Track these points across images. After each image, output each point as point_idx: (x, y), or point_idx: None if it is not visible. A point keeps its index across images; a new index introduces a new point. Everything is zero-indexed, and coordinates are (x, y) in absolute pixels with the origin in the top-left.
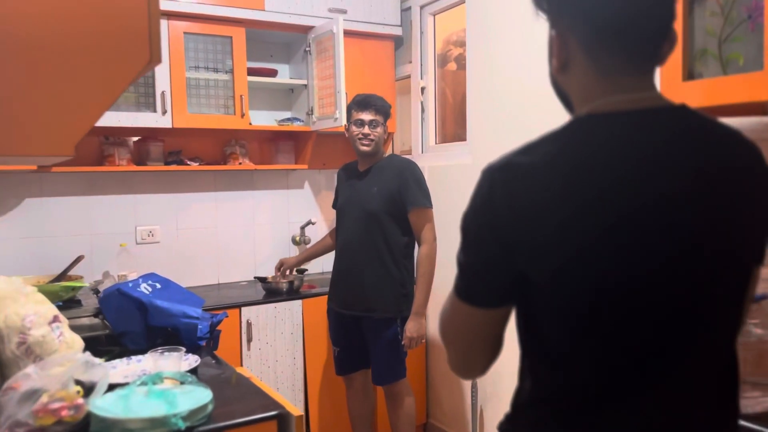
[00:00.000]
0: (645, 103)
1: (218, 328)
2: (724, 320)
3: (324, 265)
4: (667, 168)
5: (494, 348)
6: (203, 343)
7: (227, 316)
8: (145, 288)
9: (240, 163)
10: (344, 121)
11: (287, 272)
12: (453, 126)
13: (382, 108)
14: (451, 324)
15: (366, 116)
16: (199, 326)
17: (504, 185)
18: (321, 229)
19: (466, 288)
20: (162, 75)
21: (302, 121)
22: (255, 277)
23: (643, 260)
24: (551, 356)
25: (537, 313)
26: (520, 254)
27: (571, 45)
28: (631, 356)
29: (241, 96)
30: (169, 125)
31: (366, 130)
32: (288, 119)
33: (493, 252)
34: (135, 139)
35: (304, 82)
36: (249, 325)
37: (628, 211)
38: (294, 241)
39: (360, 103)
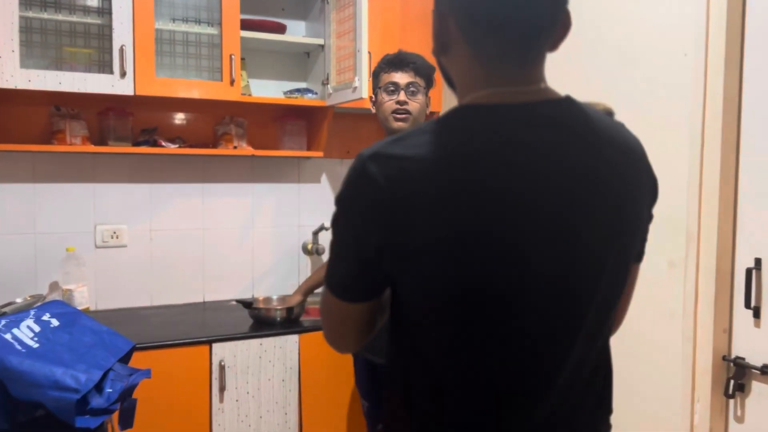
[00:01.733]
0: (528, 96)
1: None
2: (604, 318)
3: None
4: (548, 165)
5: (369, 330)
6: (95, 423)
7: (149, 377)
8: (23, 331)
9: (235, 147)
10: (366, 92)
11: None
12: None
13: (423, 68)
14: (327, 312)
15: (401, 78)
16: (88, 398)
17: (378, 175)
18: None
19: (337, 283)
20: (122, 25)
21: (316, 93)
22: (237, 301)
23: (523, 259)
24: (426, 358)
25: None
26: (396, 249)
27: (451, 27)
28: (510, 356)
29: (231, 56)
30: (129, 91)
31: (401, 96)
32: (297, 90)
33: (366, 245)
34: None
35: (321, 41)
36: (222, 368)
37: (509, 209)
38: (305, 250)
39: (392, 61)
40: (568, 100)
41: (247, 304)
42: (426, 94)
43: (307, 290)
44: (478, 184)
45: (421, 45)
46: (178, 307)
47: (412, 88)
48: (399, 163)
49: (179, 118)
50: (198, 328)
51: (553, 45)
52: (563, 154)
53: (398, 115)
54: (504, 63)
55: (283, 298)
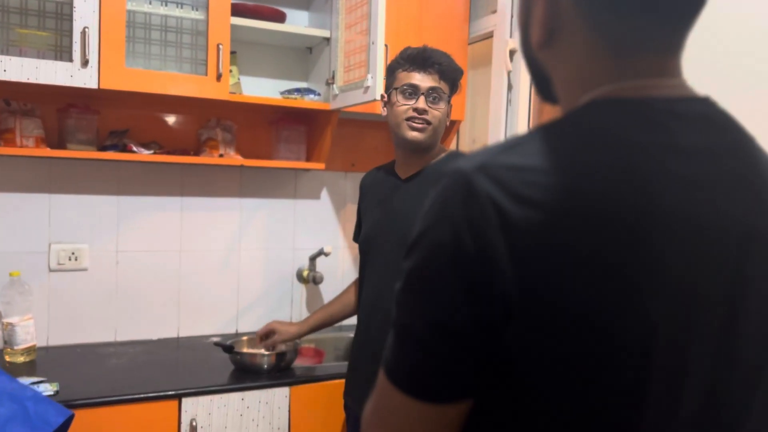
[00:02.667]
0: (673, 91)
1: None
2: None
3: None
4: (722, 182)
5: None
6: None
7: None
8: None
9: (221, 155)
10: (378, 93)
11: (278, 346)
12: (550, 115)
13: (449, 70)
14: (388, 425)
15: (422, 80)
16: None
17: (498, 195)
18: (341, 263)
19: (416, 375)
20: (85, 3)
21: (319, 95)
22: (215, 343)
23: (718, 319)
24: None
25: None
26: (531, 309)
27: (565, 9)
28: None
29: (219, 46)
30: (92, 84)
31: (421, 103)
32: (297, 90)
33: (482, 307)
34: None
35: (327, 33)
36: (194, 428)
37: (692, 242)
38: (300, 278)
39: (414, 58)
40: (710, 101)
41: (228, 348)
42: (449, 102)
43: (314, 326)
44: (649, 207)
45: (440, 42)
46: (147, 344)
47: (434, 94)
48: (527, 178)
49: (155, 118)
50: (167, 373)
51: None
52: (731, 168)
53: (414, 124)
54: (642, 50)
55: (272, 331)
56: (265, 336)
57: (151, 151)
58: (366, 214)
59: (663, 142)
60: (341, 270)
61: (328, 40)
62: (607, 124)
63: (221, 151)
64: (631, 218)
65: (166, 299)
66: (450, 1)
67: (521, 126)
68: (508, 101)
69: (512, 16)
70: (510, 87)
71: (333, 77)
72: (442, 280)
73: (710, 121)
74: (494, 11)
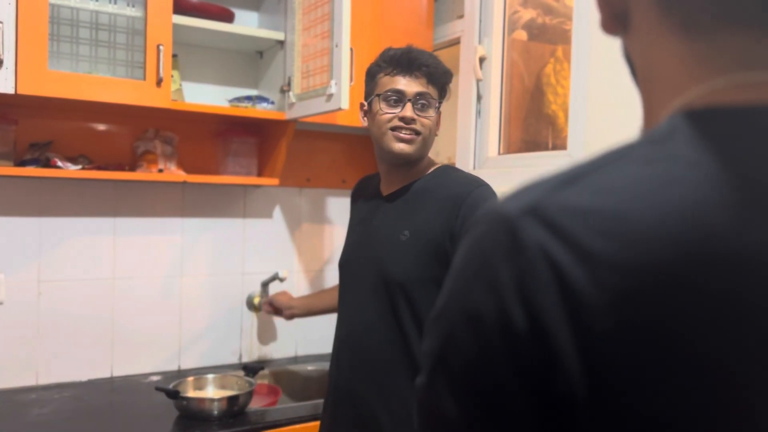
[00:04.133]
0: None
1: None
2: None
3: (308, 346)
4: None
5: None
6: None
7: None
8: None
9: (161, 170)
10: (346, 100)
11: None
12: (521, 128)
13: (438, 74)
14: None
15: (408, 85)
16: None
17: (559, 253)
18: (298, 288)
19: None
20: None
21: (273, 103)
22: (157, 388)
23: None
24: None
25: None
26: (608, 406)
27: None
28: None
29: (159, 47)
30: (8, 89)
31: (408, 111)
32: (248, 98)
33: (529, 406)
34: None
35: (281, 36)
36: None
37: None
38: (250, 306)
39: (398, 60)
40: None
41: (172, 393)
42: (438, 109)
43: (309, 308)
44: None
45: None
46: (75, 386)
47: (422, 101)
48: (600, 225)
49: (83, 129)
50: (100, 423)
51: None
52: None
53: (401, 134)
54: (752, 27)
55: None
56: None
57: (79, 167)
58: (348, 234)
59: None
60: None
61: (281, 43)
62: (709, 149)
63: (160, 166)
64: (759, 289)
65: (98, 334)
66: (412, 3)
67: (492, 139)
68: (478, 112)
69: (481, 21)
70: (479, 97)
71: (289, 84)
72: (485, 368)
73: None
74: (461, 16)
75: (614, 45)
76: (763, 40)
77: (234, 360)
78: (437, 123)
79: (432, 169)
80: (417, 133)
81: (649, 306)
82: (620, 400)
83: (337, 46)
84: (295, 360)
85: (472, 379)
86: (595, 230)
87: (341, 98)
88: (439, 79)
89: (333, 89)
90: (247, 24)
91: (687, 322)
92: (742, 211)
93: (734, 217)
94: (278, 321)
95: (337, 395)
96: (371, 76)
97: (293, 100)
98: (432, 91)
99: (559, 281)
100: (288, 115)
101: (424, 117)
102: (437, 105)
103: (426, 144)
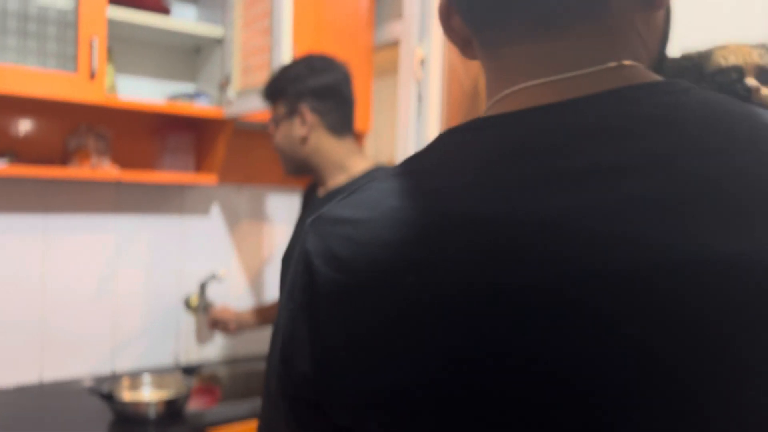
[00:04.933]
0: (582, 87)
1: None
2: None
3: (247, 345)
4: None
5: None
6: None
7: None
8: None
9: (94, 167)
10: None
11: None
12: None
13: (267, 92)
14: None
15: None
16: None
17: (310, 257)
18: (236, 288)
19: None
20: None
21: (211, 99)
22: (90, 389)
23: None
24: None
25: None
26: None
27: (450, 6)
28: None
29: (92, 40)
30: None
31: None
32: (186, 95)
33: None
34: None
35: (220, 32)
36: None
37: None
38: (188, 306)
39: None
40: (668, 87)
41: (106, 396)
42: (288, 118)
43: (266, 316)
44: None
45: (342, 48)
46: (2, 394)
47: (269, 122)
48: (345, 232)
49: (11, 123)
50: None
51: (647, 1)
52: (640, 196)
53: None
54: (522, 38)
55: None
56: (216, 323)
57: (5, 160)
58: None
59: (518, 171)
60: (236, 296)
61: (220, 41)
62: (449, 153)
63: (93, 162)
64: (447, 286)
65: (26, 337)
66: (352, 3)
67: (432, 138)
68: (418, 113)
69: (422, 21)
70: (420, 97)
71: (228, 80)
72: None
73: (645, 121)
74: (401, 15)
75: None
76: (539, 50)
77: (171, 361)
78: (292, 132)
79: (365, 171)
80: (278, 153)
81: (361, 300)
82: (341, 380)
83: (277, 44)
84: (235, 360)
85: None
86: (343, 237)
87: None
88: (270, 96)
89: None
90: (185, 16)
91: (390, 315)
92: (436, 220)
93: (427, 228)
94: None
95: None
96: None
97: (232, 96)
98: (271, 107)
99: (307, 278)
100: (226, 112)
101: (273, 135)
102: (283, 116)
103: (290, 156)
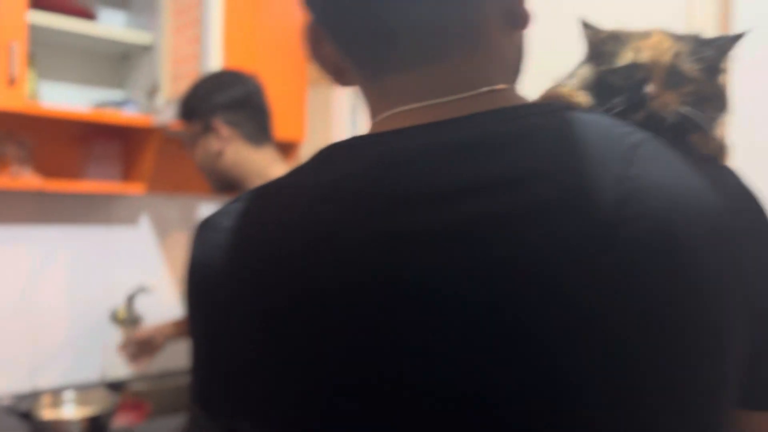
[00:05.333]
0: (456, 111)
1: None
2: None
3: (177, 359)
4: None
5: None
6: None
7: None
8: None
9: (14, 176)
10: None
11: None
12: None
13: (182, 108)
14: None
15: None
16: None
17: (194, 255)
18: (166, 300)
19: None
20: None
21: (139, 105)
22: (7, 408)
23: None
24: None
25: None
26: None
27: (322, 36)
28: None
29: (11, 46)
30: None
31: (191, 157)
32: (114, 103)
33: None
34: None
35: (149, 39)
36: None
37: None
38: (115, 320)
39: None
40: (530, 110)
41: (23, 414)
42: (204, 135)
43: (181, 329)
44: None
45: (277, 56)
46: None
47: (185, 142)
48: (218, 240)
49: None
50: None
51: (511, 21)
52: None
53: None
54: (404, 66)
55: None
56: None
57: None
58: None
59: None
60: (166, 309)
61: (149, 48)
62: (304, 174)
63: (14, 171)
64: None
65: None
66: (287, 12)
67: None
68: (353, 122)
69: None
70: (354, 107)
71: (156, 88)
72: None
73: (488, 147)
74: None
75: None
76: (420, 77)
77: (98, 377)
78: (208, 146)
79: None
80: (201, 171)
81: (207, 294)
82: (225, 362)
83: (206, 52)
84: (165, 374)
85: None
86: (216, 245)
87: None
88: (184, 115)
89: None
90: (113, 22)
91: (254, 320)
92: (302, 230)
93: (292, 239)
94: None
95: None
96: None
97: (161, 106)
98: (186, 126)
99: (192, 277)
100: (154, 121)
101: (192, 155)
102: (199, 133)
103: (212, 172)
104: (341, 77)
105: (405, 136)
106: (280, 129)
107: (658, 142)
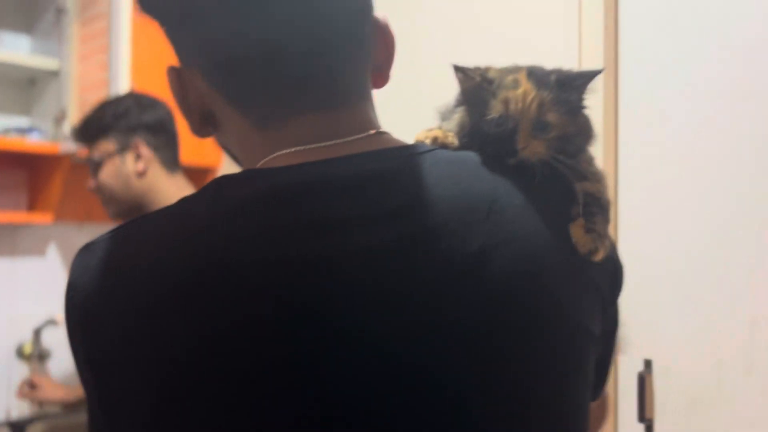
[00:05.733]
0: (345, 151)
1: None
2: None
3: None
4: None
5: None
6: None
7: None
8: None
9: None
10: None
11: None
12: None
13: (83, 134)
14: None
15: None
16: None
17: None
18: None
19: None
20: None
21: (46, 133)
22: None
23: None
24: None
25: None
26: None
27: (205, 88)
28: None
29: None
30: None
31: (90, 183)
32: (19, 129)
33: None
34: None
35: (55, 65)
36: None
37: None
38: (21, 355)
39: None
40: (405, 151)
41: None
42: (119, 154)
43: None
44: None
45: None
46: None
47: (90, 166)
48: (85, 260)
49: None
50: None
51: (378, 78)
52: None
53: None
54: (289, 117)
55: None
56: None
57: None
58: None
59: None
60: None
61: (57, 73)
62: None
63: None
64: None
65: None
66: None
67: None
68: None
69: None
70: None
71: (64, 115)
72: None
73: (373, 182)
74: None
75: None
76: (314, 121)
77: (2, 416)
78: (123, 167)
79: None
80: (102, 194)
81: (86, 327)
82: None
83: (114, 79)
84: (75, 412)
85: None
86: (82, 265)
87: None
88: (90, 133)
89: None
90: (18, 47)
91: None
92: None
93: (175, 268)
94: (56, 371)
95: None
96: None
97: (69, 133)
98: (95, 146)
99: (71, 306)
100: (62, 148)
101: (98, 179)
102: (100, 157)
103: (119, 196)
104: (205, 126)
105: (299, 171)
106: (197, 154)
107: (517, 187)
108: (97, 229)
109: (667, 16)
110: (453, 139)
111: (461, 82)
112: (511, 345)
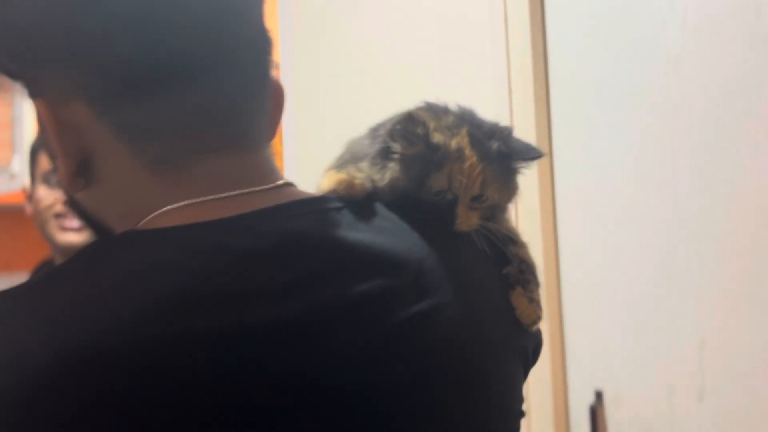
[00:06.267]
0: (257, 203)
1: None
2: None
3: None
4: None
5: None
6: None
7: None
8: None
9: None
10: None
11: None
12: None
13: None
14: None
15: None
16: None
17: None
18: None
19: None
20: None
21: None
22: None
23: None
24: None
25: None
26: None
27: (96, 132)
28: None
29: None
30: None
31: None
32: None
33: None
34: None
35: None
36: None
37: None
38: None
39: None
40: (314, 206)
41: None
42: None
43: None
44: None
45: None
46: None
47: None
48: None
49: None
50: None
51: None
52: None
53: (67, 223)
54: (216, 152)
55: None
56: None
57: None
58: None
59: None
60: None
61: None
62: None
63: None
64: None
65: None
66: None
67: None
68: None
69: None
70: None
71: None
72: None
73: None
74: None
75: None
76: (222, 165)
77: None
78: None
79: None
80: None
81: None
82: None
83: (18, 118)
84: None
85: None
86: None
87: (26, 176)
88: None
89: (17, 167)
90: None
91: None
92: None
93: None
94: None
95: None
96: (32, 153)
97: None
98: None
99: None
100: None
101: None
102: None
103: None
104: (80, 176)
105: (213, 231)
106: None
107: (447, 248)
108: (14, 280)
109: (595, 33)
110: (366, 186)
111: (403, 148)
112: (435, 416)
